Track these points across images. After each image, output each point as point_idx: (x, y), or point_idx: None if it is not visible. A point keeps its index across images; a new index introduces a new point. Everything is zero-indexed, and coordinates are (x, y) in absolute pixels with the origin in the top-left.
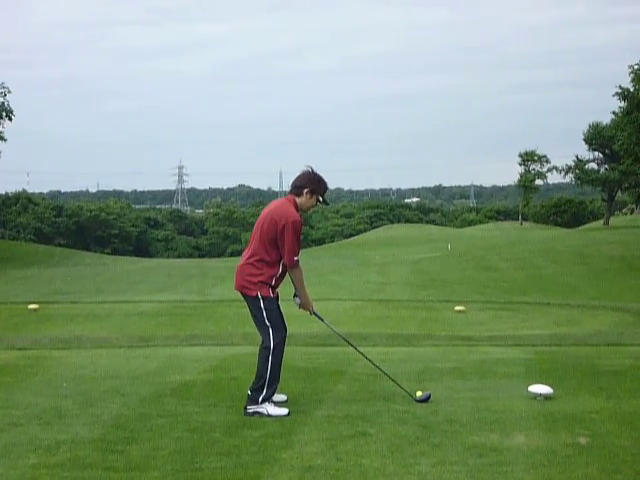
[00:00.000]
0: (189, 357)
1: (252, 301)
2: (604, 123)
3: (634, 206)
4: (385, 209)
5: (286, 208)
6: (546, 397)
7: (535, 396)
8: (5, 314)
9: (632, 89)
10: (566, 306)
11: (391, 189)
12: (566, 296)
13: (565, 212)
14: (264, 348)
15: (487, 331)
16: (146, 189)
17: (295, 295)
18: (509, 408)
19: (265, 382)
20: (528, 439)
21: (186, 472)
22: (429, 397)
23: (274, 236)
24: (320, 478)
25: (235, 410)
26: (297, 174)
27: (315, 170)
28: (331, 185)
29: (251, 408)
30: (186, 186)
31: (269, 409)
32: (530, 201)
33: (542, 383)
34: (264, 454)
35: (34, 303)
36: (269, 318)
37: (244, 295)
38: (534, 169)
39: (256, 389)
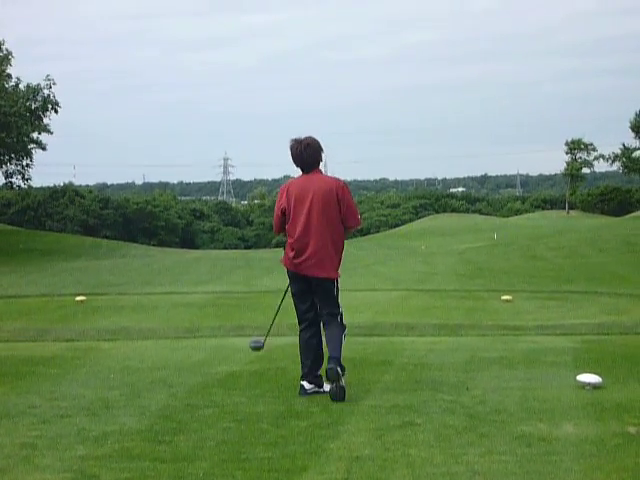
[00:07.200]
0: (235, 348)
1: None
2: None
3: None
4: (431, 199)
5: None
6: (595, 386)
7: (583, 385)
8: (52, 306)
9: None
10: (614, 295)
11: (436, 179)
12: (614, 285)
13: (612, 200)
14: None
15: (534, 320)
16: (192, 181)
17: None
18: (557, 397)
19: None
20: (577, 428)
21: (233, 462)
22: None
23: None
24: (367, 468)
25: (282, 400)
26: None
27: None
28: (376, 175)
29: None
30: (231, 177)
31: (325, 387)
32: (577, 190)
33: (590, 372)
34: (311, 444)
35: (81, 295)
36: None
37: (326, 279)
38: (581, 157)
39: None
